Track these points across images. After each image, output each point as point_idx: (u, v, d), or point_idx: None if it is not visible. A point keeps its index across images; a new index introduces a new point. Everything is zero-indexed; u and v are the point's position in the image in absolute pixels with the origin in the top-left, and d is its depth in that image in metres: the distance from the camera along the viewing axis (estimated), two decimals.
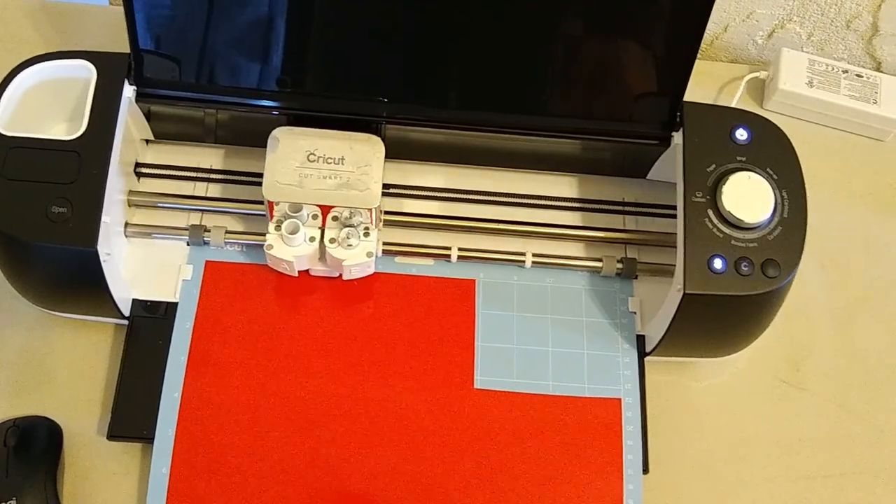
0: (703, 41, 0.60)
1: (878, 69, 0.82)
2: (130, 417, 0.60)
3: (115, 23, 0.59)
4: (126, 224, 0.64)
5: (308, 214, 0.61)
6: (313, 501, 0.58)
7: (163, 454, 0.58)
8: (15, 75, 0.59)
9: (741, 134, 0.60)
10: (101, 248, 0.56)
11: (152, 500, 0.58)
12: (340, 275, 0.63)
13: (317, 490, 0.59)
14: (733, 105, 0.76)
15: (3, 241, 0.56)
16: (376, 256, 0.63)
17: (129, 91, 0.60)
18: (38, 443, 0.59)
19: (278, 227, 0.61)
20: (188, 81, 0.62)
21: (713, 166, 0.59)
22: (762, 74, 0.78)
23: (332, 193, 0.60)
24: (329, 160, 0.61)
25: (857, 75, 0.77)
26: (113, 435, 0.59)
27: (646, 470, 0.61)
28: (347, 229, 0.61)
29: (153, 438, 0.59)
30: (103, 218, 0.56)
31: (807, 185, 0.60)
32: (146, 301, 0.63)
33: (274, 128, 0.62)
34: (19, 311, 0.64)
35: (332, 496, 0.59)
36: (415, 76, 0.63)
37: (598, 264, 0.65)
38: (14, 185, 0.56)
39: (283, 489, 0.58)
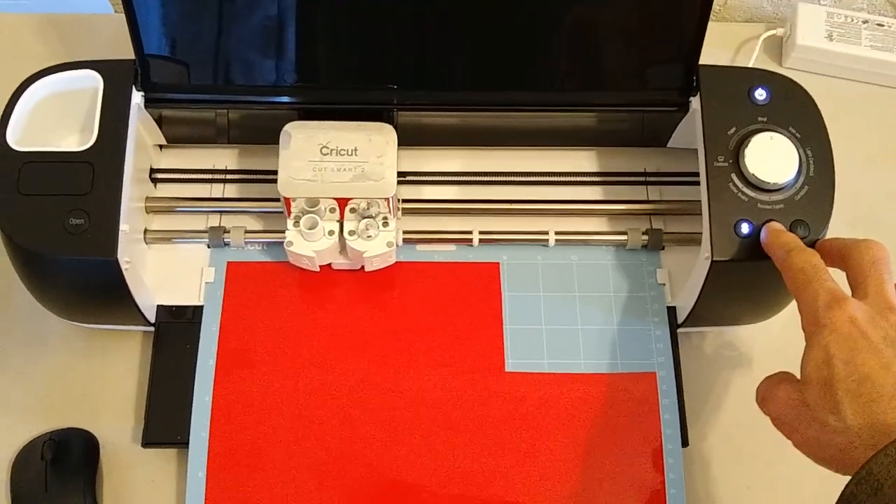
0: (716, 1, 0.59)
1: None
2: (164, 424, 0.60)
3: (122, 30, 0.59)
4: (145, 231, 0.63)
5: (325, 208, 0.61)
6: (352, 493, 0.58)
7: (198, 458, 0.58)
8: (23, 91, 0.59)
9: (760, 94, 0.59)
10: (122, 257, 0.56)
11: None
12: (363, 267, 0.63)
13: (355, 482, 0.59)
14: (751, 65, 0.74)
15: (23, 256, 0.56)
16: (397, 246, 0.62)
17: (137, 97, 0.60)
18: (75, 455, 0.60)
19: (297, 223, 0.60)
20: (196, 83, 0.62)
21: (734, 129, 0.58)
22: (779, 31, 0.77)
23: (347, 185, 0.60)
24: (342, 152, 0.60)
25: (878, 24, 0.75)
26: (148, 442, 0.60)
27: (685, 443, 0.60)
28: (366, 220, 0.60)
29: (188, 443, 0.59)
30: (121, 226, 0.56)
31: (832, 142, 0.58)
32: (171, 306, 0.63)
33: (286, 123, 0.61)
34: (47, 325, 0.64)
35: (370, 488, 0.59)
36: (424, 60, 0.62)
37: (623, 238, 0.64)
38: (30, 200, 0.56)
39: (322, 483, 0.58)
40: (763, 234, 0.55)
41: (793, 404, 0.48)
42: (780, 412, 0.49)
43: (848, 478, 0.42)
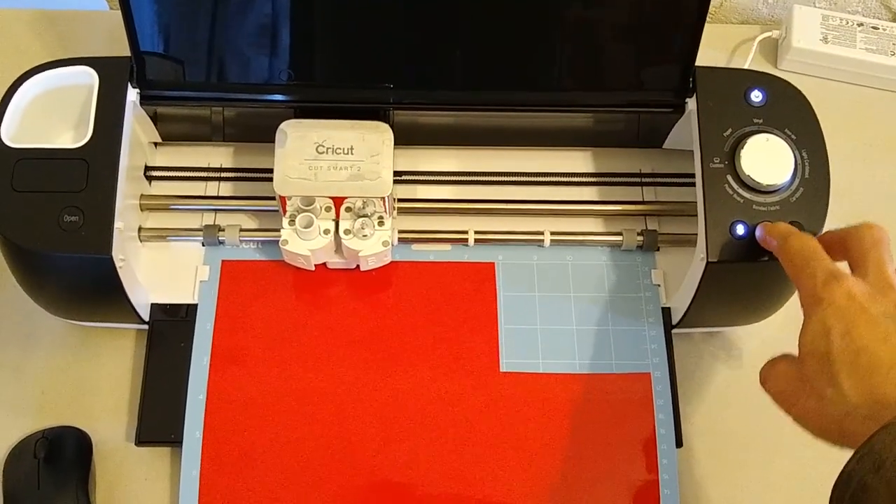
0: (712, 3, 0.59)
1: (894, 20, 0.80)
2: (157, 422, 0.60)
3: (117, 26, 0.59)
4: (140, 228, 0.63)
5: (321, 207, 0.60)
6: (345, 493, 0.58)
7: (192, 456, 0.58)
8: (17, 87, 0.59)
9: (756, 96, 0.59)
10: (116, 255, 0.55)
11: (184, 502, 0.57)
12: (358, 266, 0.63)
13: (348, 481, 0.58)
14: (746, 67, 0.74)
15: (17, 252, 0.56)
16: (392, 245, 0.62)
17: (132, 94, 0.59)
18: (67, 453, 0.60)
19: (292, 222, 0.60)
20: (192, 81, 0.61)
21: (729, 130, 0.58)
22: (775, 34, 0.77)
23: (343, 184, 0.60)
24: (338, 151, 0.60)
25: (873, 27, 0.75)
26: (141, 440, 0.59)
27: (679, 443, 0.60)
28: (361, 219, 0.60)
29: (181, 442, 0.59)
30: (116, 224, 0.56)
31: (827, 143, 0.58)
32: (165, 304, 0.62)
33: (281, 121, 0.61)
34: (40, 323, 0.64)
35: (364, 487, 0.58)
36: (420, 59, 0.62)
37: (619, 238, 0.64)
38: (24, 197, 0.55)
39: (315, 483, 0.58)
40: (758, 231, 0.55)
41: (791, 378, 0.48)
42: (779, 387, 0.49)
43: (846, 456, 0.42)
